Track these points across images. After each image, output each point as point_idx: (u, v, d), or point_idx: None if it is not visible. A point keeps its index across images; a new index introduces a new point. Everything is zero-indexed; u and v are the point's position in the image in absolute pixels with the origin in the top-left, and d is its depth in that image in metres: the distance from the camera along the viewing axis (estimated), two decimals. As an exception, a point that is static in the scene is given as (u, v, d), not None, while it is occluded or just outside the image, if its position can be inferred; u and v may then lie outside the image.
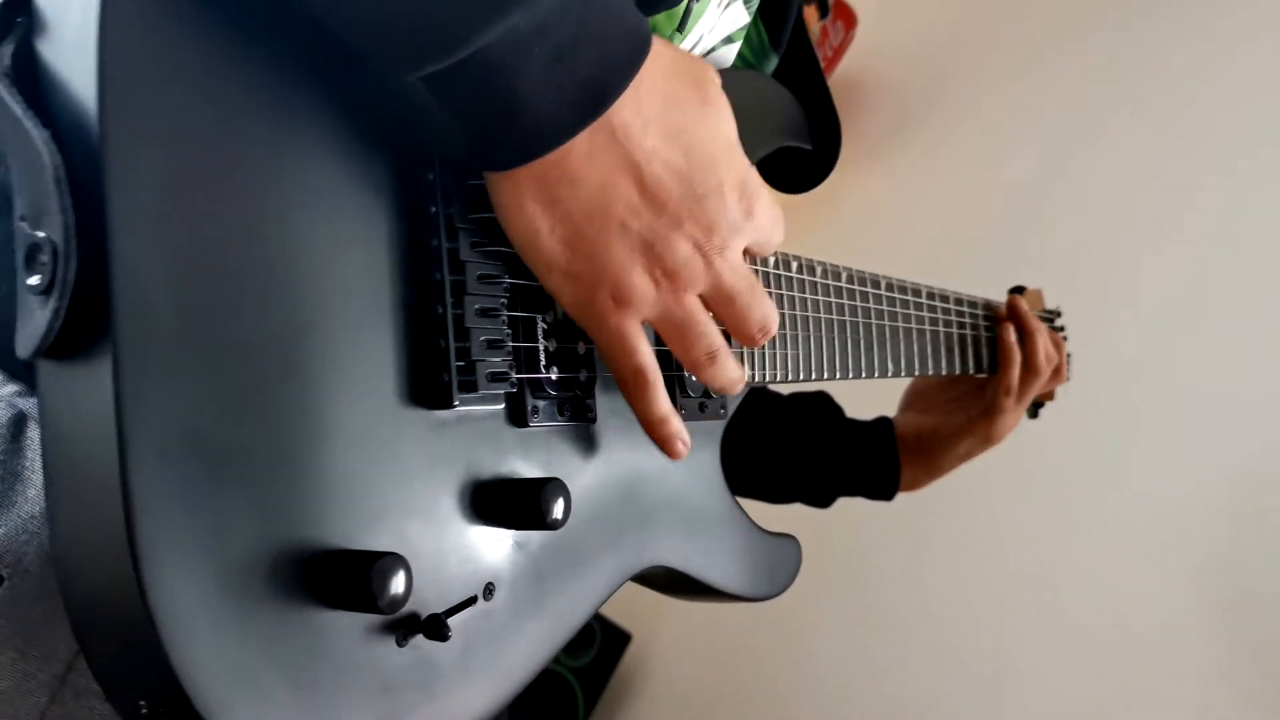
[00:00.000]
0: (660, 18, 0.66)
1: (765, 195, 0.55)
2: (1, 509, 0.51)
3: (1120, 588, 1.66)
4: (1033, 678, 1.70)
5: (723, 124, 0.53)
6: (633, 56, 0.47)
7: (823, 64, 2.42)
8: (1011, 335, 1.05)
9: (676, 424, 0.56)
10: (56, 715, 0.53)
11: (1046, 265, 1.91)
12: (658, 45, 0.49)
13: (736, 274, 0.53)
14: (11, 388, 0.54)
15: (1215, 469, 1.64)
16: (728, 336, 0.57)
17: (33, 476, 0.53)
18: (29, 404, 0.54)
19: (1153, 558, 1.65)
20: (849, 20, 2.33)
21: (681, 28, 0.67)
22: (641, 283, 0.50)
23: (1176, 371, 1.73)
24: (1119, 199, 1.93)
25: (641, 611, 2.14)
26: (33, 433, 0.53)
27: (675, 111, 0.50)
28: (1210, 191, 1.81)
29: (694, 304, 0.53)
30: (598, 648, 2.12)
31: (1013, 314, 1.08)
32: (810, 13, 2.22)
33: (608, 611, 2.15)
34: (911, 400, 1.12)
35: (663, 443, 0.57)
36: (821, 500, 1.06)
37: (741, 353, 0.70)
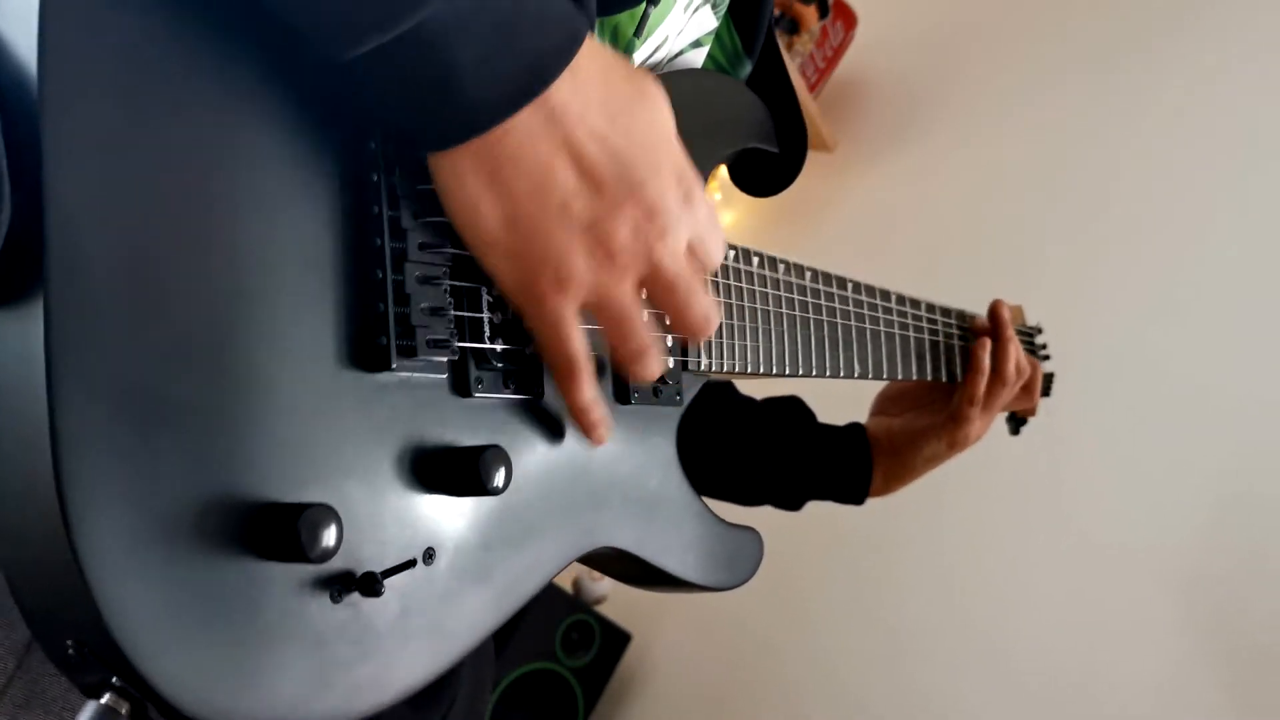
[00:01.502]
0: (623, 18, 0.68)
1: (703, 190, 0.57)
2: None
3: (1112, 585, 1.66)
4: (1031, 678, 1.70)
5: (659, 114, 0.53)
6: (568, 42, 0.48)
7: (823, 64, 2.44)
8: (984, 349, 1.05)
9: (602, 411, 0.58)
10: (23, 681, 0.54)
11: (1043, 266, 1.93)
12: (595, 42, 0.51)
13: (677, 261, 0.54)
14: None
15: (1199, 472, 1.65)
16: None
17: None
18: None
19: (1137, 560, 1.65)
20: (849, 20, 2.35)
21: (639, 32, 0.68)
22: (582, 264, 0.50)
23: (1165, 374, 1.73)
24: (1117, 203, 1.95)
25: (641, 611, 2.14)
26: None
27: (613, 98, 0.51)
28: (1214, 198, 1.83)
29: (632, 292, 0.53)
30: (598, 648, 2.12)
31: (992, 319, 1.08)
32: (810, 13, 2.25)
33: (608, 611, 2.15)
34: (881, 405, 1.12)
35: (587, 429, 0.58)
36: (792, 503, 1.06)
37: (707, 343, 0.71)
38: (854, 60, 2.36)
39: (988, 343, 1.05)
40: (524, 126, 0.47)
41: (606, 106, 0.50)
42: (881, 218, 2.26)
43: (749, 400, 1.08)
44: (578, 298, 0.52)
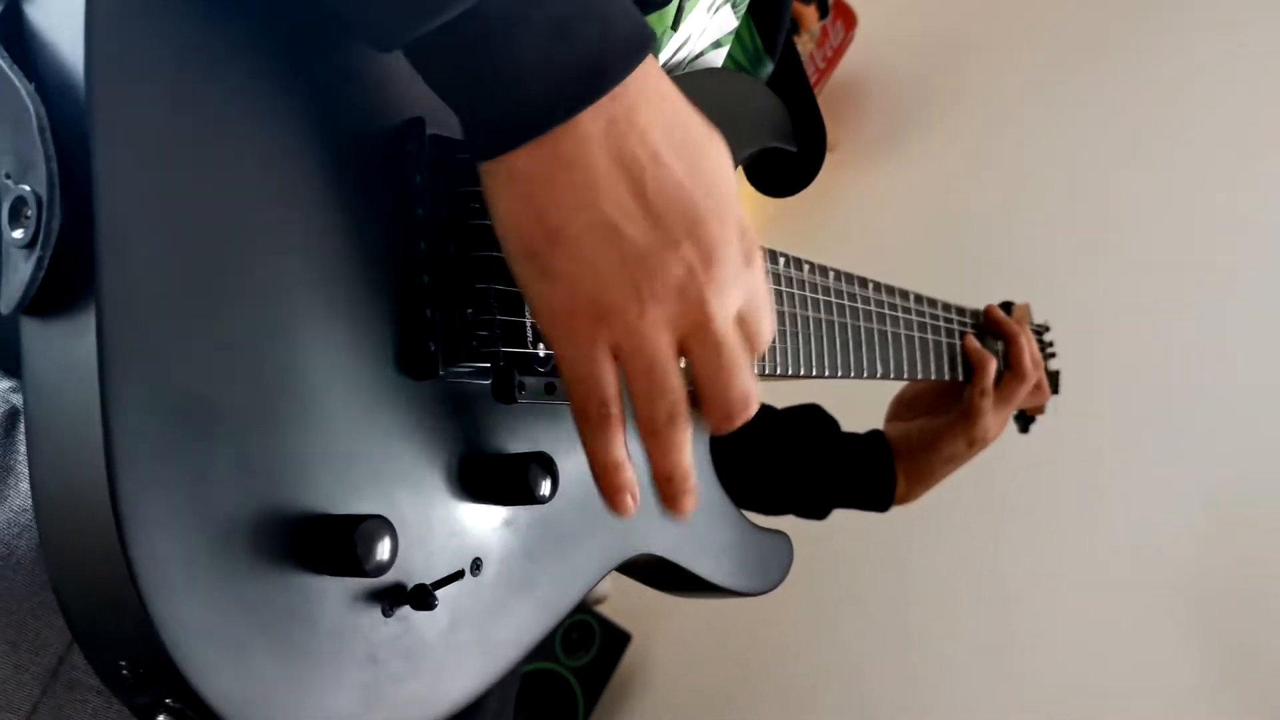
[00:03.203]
0: (652, 16, 0.67)
1: (762, 261, 0.50)
2: None
3: (1120, 587, 1.67)
4: (1030, 679, 1.70)
5: (727, 165, 0.48)
6: (637, 44, 0.44)
7: (823, 64, 2.44)
8: (975, 341, 1.05)
9: (630, 474, 0.49)
10: (49, 707, 0.53)
11: (1043, 265, 1.93)
12: (660, 69, 0.47)
13: (727, 324, 0.47)
14: (6, 384, 0.54)
15: (1209, 474, 1.65)
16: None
17: (25, 470, 0.52)
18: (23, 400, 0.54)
19: (1146, 562, 1.66)
20: (849, 20, 2.35)
21: (675, 24, 0.67)
22: (623, 298, 0.44)
23: (1171, 372, 1.74)
24: (1120, 201, 1.95)
25: (641, 611, 2.13)
26: None
27: (681, 127, 0.46)
28: (1220, 197, 1.83)
29: (670, 346, 0.46)
30: (598, 648, 2.12)
31: (988, 321, 1.09)
32: (810, 13, 2.24)
33: (608, 611, 2.15)
34: (897, 410, 1.12)
35: (610, 492, 0.49)
36: (817, 512, 1.05)
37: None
38: (854, 60, 2.36)
39: (972, 337, 1.06)
40: (583, 131, 0.43)
41: (674, 133, 0.45)
42: (882, 217, 2.27)
43: (769, 409, 1.07)
44: (611, 334, 0.45)
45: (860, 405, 1.09)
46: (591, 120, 0.43)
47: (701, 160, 0.46)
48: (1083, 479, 1.75)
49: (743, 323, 0.48)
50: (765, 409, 1.06)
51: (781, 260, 0.78)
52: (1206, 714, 1.55)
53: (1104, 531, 1.72)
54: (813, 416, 1.07)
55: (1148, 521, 1.69)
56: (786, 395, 1.05)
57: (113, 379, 0.38)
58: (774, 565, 0.75)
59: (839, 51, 2.33)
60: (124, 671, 0.39)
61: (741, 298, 0.47)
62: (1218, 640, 1.57)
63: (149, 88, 0.40)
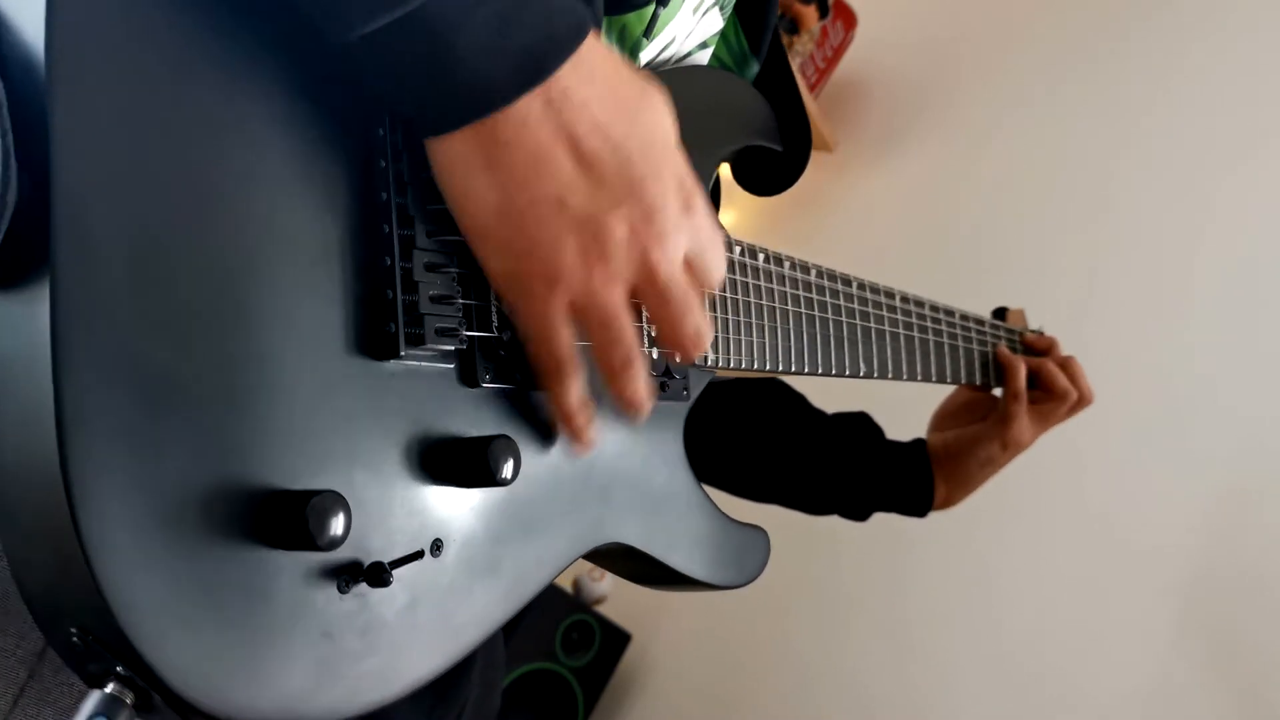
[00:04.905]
0: (631, 18, 0.67)
1: (705, 203, 0.55)
2: None
3: (1118, 587, 1.66)
4: (1035, 680, 1.70)
5: (662, 118, 0.52)
6: (574, 31, 0.47)
7: (823, 64, 2.45)
8: (1006, 349, 1.10)
9: (587, 417, 0.56)
10: (34, 691, 0.53)
11: (1044, 266, 1.93)
12: (600, 40, 0.50)
13: (674, 269, 0.52)
14: None
15: (1207, 473, 1.65)
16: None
17: None
18: None
19: (1143, 562, 1.65)
20: (849, 20, 2.36)
21: (648, 33, 0.68)
22: (573, 262, 0.49)
23: (1171, 373, 1.74)
24: (1120, 201, 1.95)
25: (641, 611, 2.14)
26: None
27: (616, 96, 0.50)
28: (1222, 197, 1.83)
29: (621, 298, 0.51)
30: (598, 648, 2.12)
31: (1024, 343, 1.14)
32: (810, 13, 2.25)
33: (608, 611, 2.16)
34: (938, 423, 1.16)
35: (573, 434, 0.56)
36: (859, 513, 1.09)
37: (714, 339, 0.71)
38: (854, 60, 2.37)
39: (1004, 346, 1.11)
40: (523, 112, 0.46)
41: (609, 102, 0.49)
42: (881, 218, 2.27)
43: (820, 413, 1.11)
44: (566, 295, 0.50)
45: (908, 417, 1.14)
46: (531, 101, 0.46)
47: (637, 123, 0.50)
48: (1082, 479, 1.75)
49: (690, 266, 0.53)
50: (816, 413, 1.11)
51: (762, 256, 0.78)
52: (1206, 715, 1.54)
53: (1102, 532, 1.72)
54: (860, 424, 1.11)
55: (1146, 522, 1.69)
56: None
57: (66, 350, 0.38)
58: (749, 559, 0.75)
59: (839, 51, 2.34)
60: (74, 639, 0.40)
61: (685, 243, 0.52)
62: (1217, 641, 1.57)
63: (109, 64, 0.41)
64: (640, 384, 0.54)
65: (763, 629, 2.01)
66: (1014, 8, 2.30)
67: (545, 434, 0.58)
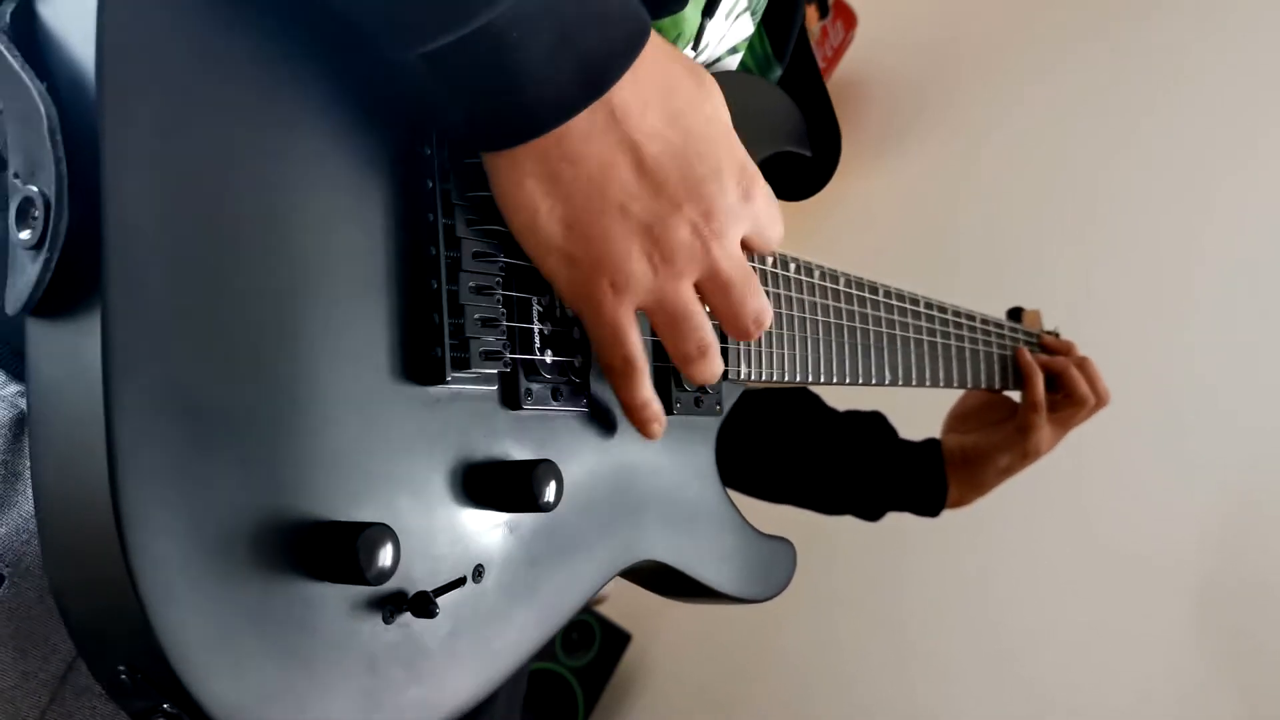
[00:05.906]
0: (665, 23, 0.66)
1: (764, 185, 0.56)
2: (2, 509, 0.51)
3: (1123, 591, 1.67)
4: (1039, 684, 1.70)
5: (719, 110, 0.53)
6: (633, 41, 0.47)
7: (822, 64, 2.45)
8: (1028, 354, 1.09)
9: (657, 407, 0.57)
10: (57, 714, 0.52)
11: (1045, 266, 1.93)
12: (655, 36, 0.50)
13: (734, 262, 0.53)
14: (14, 388, 0.53)
15: (1213, 477, 1.65)
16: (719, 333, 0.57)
17: None
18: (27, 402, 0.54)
19: (1149, 566, 1.66)
20: (849, 20, 2.34)
21: (697, 43, 0.68)
22: (639, 267, 0.50)
23: (1175, 375, 1.74)
24: (1122, 201, 1.94)
25: (641, 611, 2.14)
26: None
27: (673, 96, 0.50)
28: (1224, 197, 1.82)
29: (690, 293, 0.52)
30: (598, 648, 2.13)
31: (1043, 347, 1.14)
32: (810, 13, 2.23)
33: (608, 611, 2.16)
34: (952, 424, 1.16)
35: (643, 425, 0.57)
36: (871, 513, 1.09)
37: (737, 349, 0.70)
38: (854, 60, 2.35)
39: (1026, 350, 1.11)
40: (584, 127, 0.47)
41: (666, 105, 0.49)
42: (881, 217, 2.26)
43: (834, 413, 1.11)
44: (635, 300, 0.51)
45: (918, 416, 1.14)
46: (591, 115, 0.46)
47: (693, 124, 0.50)
48: (1082, 481, 1.74)
49: (749, 243, 0.55)
50: (830, 412, 1.11)
51: (794, 265, 0.77)
52: (1206, 716, 1.55)
53: (1103, 533, 1.72)
54: (874, 423, 1.11)
55: (1147, 523, 1.69)
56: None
57: (117, 381, 0.37)
58: (777, 572, 0.74)
59: (839, 51, 2.33)
60: (122, 676, 0.39)
61: (745, 229, 0.53)
62: (1217, 642, 1.57)
63: (160, 89, 0.40)
64: (717, 364, 0.55)
65: (763, 630, 2.01)
66: (1014, 8, 2.28)
67: (581, 455, 0.57)
